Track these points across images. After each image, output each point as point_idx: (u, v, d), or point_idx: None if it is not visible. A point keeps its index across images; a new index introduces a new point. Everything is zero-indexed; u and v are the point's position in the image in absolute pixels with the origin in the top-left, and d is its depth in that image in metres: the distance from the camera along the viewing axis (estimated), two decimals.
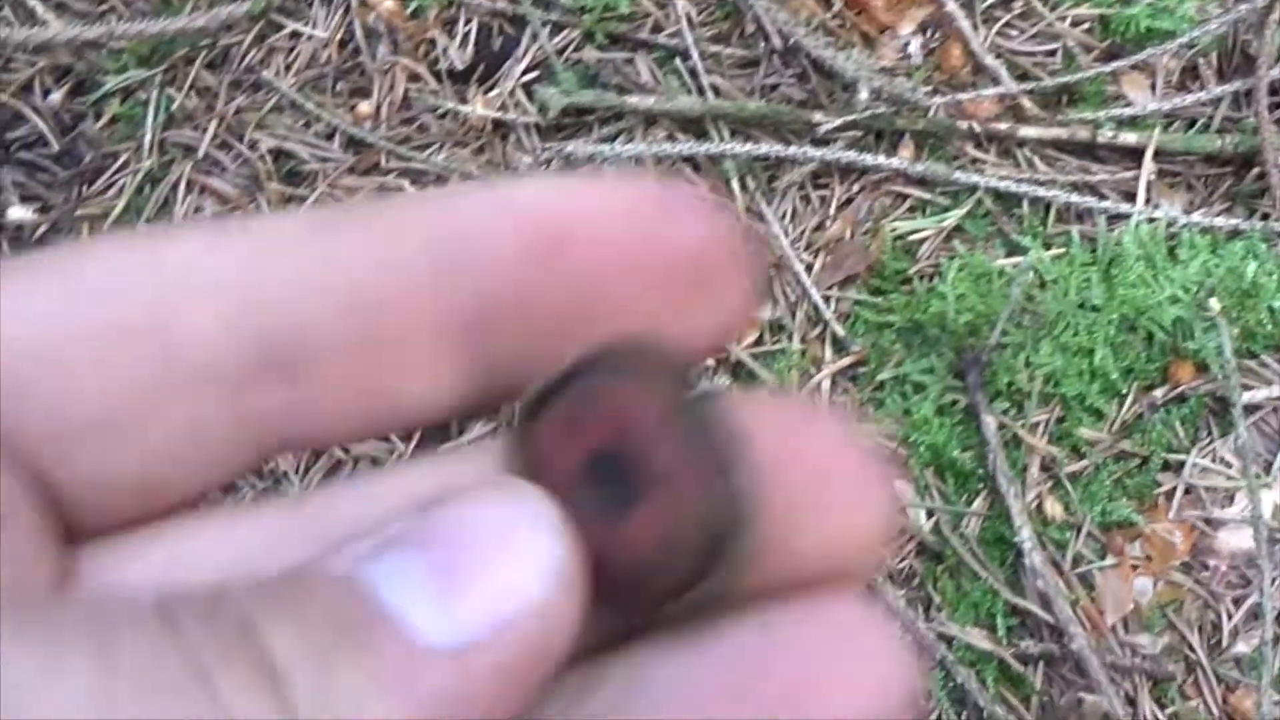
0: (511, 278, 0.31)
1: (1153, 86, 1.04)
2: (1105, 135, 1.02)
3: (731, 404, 0.30)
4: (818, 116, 1.02)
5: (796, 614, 0.30)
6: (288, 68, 1.05)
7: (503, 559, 0.28)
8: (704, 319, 0.31)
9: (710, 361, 0.99)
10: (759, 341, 0.99)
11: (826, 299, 1.00)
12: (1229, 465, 0.95)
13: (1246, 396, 0.96)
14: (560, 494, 0.29)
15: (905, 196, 1.03)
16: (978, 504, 0.95)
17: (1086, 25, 1.06)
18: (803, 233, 1.02)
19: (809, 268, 1.01)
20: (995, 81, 1.03)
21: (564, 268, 0.31)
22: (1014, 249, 1.00)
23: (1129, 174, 1.02)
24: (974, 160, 1.03)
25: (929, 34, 1.06)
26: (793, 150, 1.02)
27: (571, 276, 0.31)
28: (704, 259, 0.31)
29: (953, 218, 1.01)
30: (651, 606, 0.30)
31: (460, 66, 1.05)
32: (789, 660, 0.29)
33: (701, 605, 0.29)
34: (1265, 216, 1.00)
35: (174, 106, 1.04)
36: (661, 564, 0.29)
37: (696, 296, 0.31)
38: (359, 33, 1.05)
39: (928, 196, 1.02)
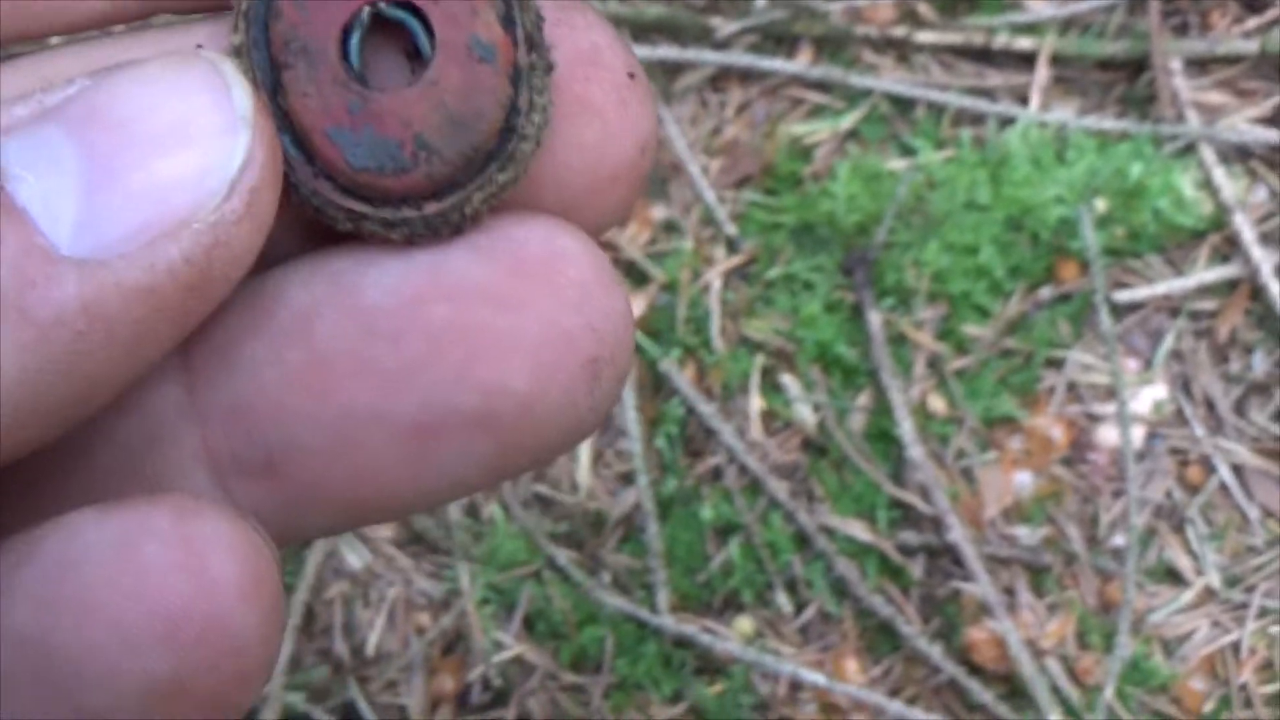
0: None
1: None
2: (1000, 41, 1.03)
3: None
4: (716, 21, 1.03)
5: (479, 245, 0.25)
6: None
7: (168, 151, 0.22)
8: None
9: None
10: (652, 241, 1.01)
11: (720, 200, 1.01)
12: (1109, 362, 0.97)
13: (1129, 294, 0.98)
14: (320, 56, 0.25)
15: (802, 101, 1.04)
16: (862, 399, 0.97)
17: None
18: (700, 136, 1.03)
19: (705, 170, 1.02)
20: None
21: None
22: (907, 152, 1.02)
23: (1023, 79, 1.03)
24: (871, 65, 1.04)
25: None
26: (691, 54, 1.03)
27: None
28: None
29: (848, 121, 1.02)
30: (413, 199, 0.26)
31: None
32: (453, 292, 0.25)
33: (462, 211, 0.26)
34: (1157, 120, 1.01)
35: None
36: (446, 139, 0.25)
37: None
38: None
39: (824, 100, 1.04)
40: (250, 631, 0.23)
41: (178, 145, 0.22)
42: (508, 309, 0.24)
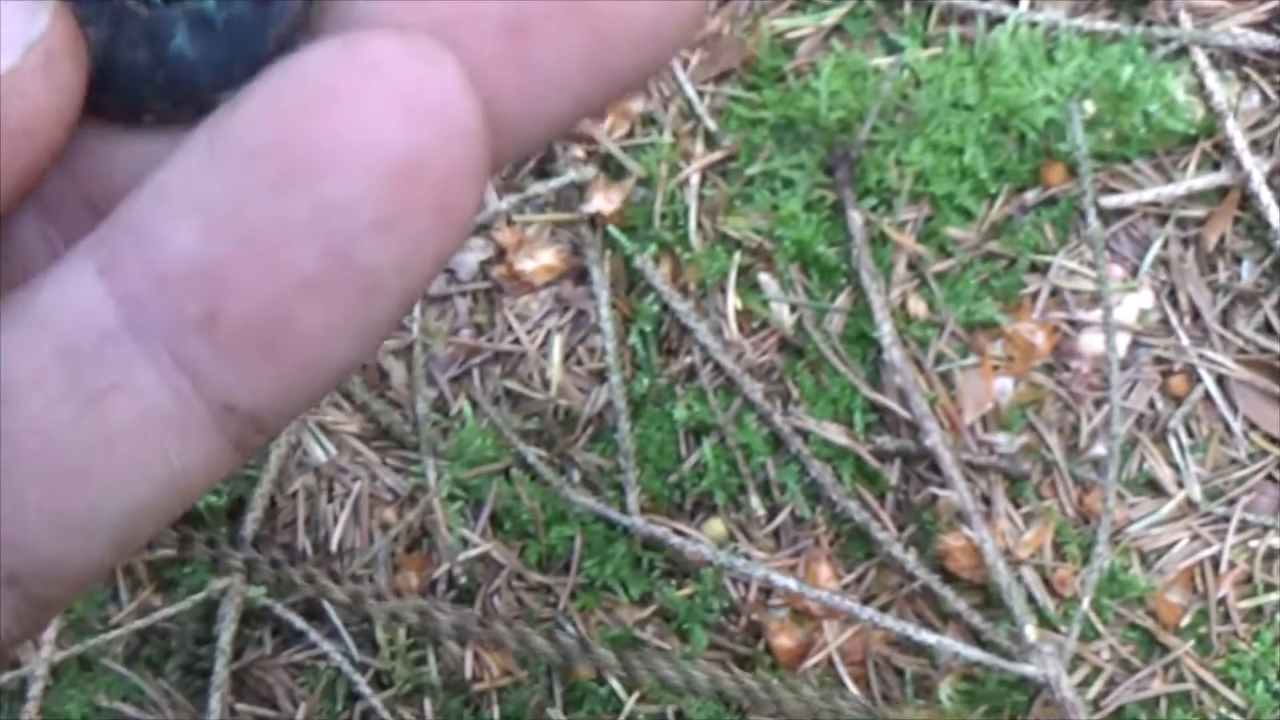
0: None
1: None
2: None
3: None
4: None
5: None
6: None
7: None
8: None
9: (580, 155, 0.98)
10: (629, 134, 0.98)
11: (700, 94, 0.98)
12: (1094, 268, 0.94)
13: (1116, 200, 0.95)
14: None
15: None
16: (841, 300, 0.95)
17: None
18: None
19: (684, 63, 0.99)
20: None
21: None
22: (893, 49, 0.99)
23: None
24: None
25: None
26: None
27: None
28: None
29: (833, 16, 0.99)
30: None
31: None
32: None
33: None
34: (1149, 23, 0.98)
35: None
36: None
37: None
38: None
39: None
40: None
41: None
42: (340, 106, 0.24)
